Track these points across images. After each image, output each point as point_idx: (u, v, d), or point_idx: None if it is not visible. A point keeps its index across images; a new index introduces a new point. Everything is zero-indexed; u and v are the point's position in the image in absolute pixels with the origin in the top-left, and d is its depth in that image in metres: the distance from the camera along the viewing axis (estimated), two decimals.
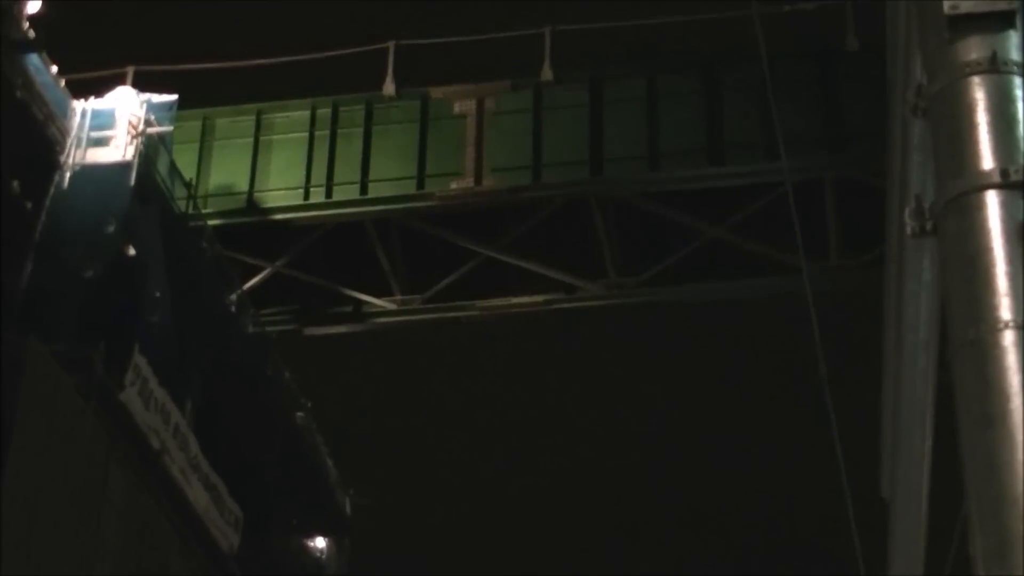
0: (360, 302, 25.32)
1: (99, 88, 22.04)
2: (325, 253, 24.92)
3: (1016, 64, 6.68)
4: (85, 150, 21.05)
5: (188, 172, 23.62)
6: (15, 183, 19.71)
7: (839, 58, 23.61)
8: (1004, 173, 6.44)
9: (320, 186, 24.15)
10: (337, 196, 24.15)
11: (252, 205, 24.21)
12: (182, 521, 21.91)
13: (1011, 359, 6.13)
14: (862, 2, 23.06)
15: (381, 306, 25.24)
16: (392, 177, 24.05)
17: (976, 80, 6.68)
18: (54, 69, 20.74)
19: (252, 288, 24.80)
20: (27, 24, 19.70)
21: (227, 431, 24.18)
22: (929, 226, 6.78)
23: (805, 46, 24.00)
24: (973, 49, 6.74)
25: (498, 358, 43.25)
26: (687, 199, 24.05)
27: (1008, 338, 6.17)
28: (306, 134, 24.53)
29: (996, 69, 6.67)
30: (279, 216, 24.26)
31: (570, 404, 47.05)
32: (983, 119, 6.58)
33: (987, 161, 6.50)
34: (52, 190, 20.53)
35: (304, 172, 24.24)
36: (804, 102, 23.16)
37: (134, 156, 21.18)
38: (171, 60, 24.50)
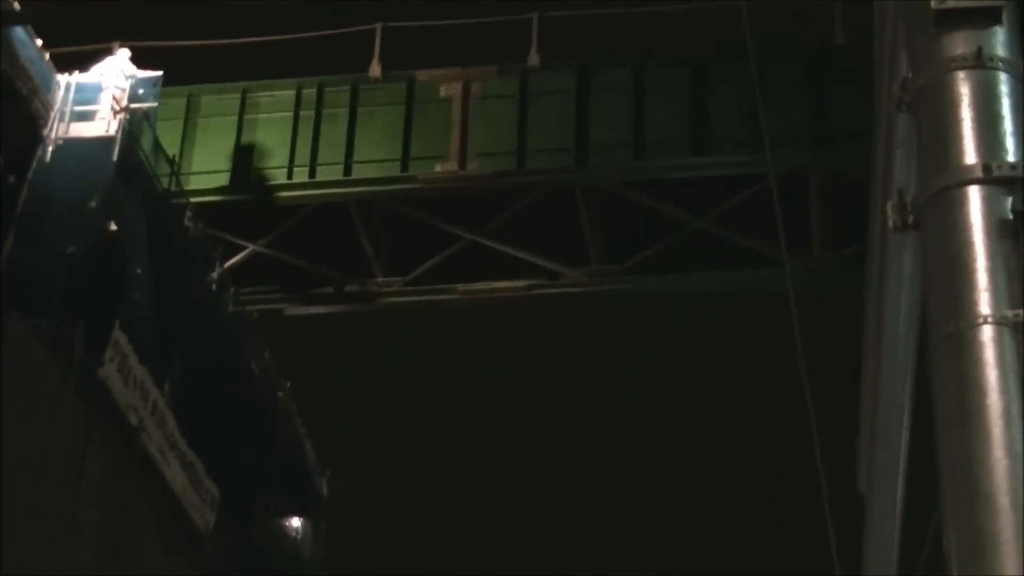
0: (342, 283, 25.27)
1: (84, 63, 21.94)
2: (307, 233, 24.85)
3: (1001, 60, 6.68)
4: (68, 124, 20.95)
5: (172, 149, 23.52)
6: None
7: (827, 54, 23.61)
8: (987, 169, 6.44)
9: (304, 166, 24.06)
10: (321, 176, 24.06)
11: (235, 184, 24.13)
12: (159, 500, 21.85)
13: (989, 355, 6.12)
14: None
15: (362, 288, 25.21)
16: (376, 159, 23.99)
17: (961, 75, 6.67)
18: (39, 43, 20.63)
19: (233, 267, 24.72)
20: None
21: (205, 410, 24.11)
22: (911, 220, 6.78)
23: (793, 42, 23.99)
24: (958, 44, 6.73)
25: (478, 343, 43.22)
26: (671, 189, 24.05)
27: (987, 333, 6.16)
28: (291, 114, 24.44)
29: (981, 65, 6.66)
30: (262, 195, 24.19)
31: (549, 390, 47.03)
32: (967, 115, 6.58)
33: (970, 156, 6.50)
34: (35, 164, 20.43)
35: (288, 152, 24.17)
36: (791, 97, 23.15)
37: (118, 131, 21.09)
38: (157, 36, 24.40)
